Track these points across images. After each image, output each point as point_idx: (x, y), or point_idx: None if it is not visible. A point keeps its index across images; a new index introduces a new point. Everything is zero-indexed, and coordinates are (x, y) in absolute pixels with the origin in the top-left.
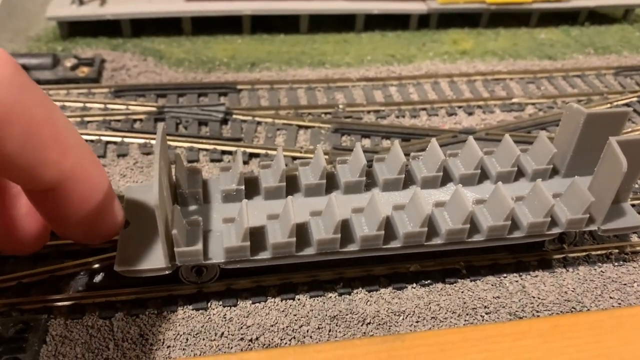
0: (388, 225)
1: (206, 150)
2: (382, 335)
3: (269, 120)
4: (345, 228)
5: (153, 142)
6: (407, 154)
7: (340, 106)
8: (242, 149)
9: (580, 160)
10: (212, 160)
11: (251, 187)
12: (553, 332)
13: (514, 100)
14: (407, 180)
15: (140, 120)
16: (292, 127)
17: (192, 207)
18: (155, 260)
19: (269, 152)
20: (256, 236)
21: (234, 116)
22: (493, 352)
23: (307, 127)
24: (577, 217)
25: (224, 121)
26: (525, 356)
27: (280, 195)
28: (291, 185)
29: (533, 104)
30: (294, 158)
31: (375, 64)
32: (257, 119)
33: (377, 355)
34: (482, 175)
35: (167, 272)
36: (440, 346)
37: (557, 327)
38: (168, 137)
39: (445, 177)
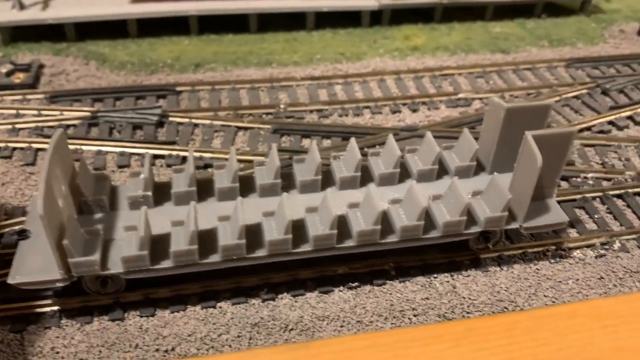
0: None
1: (138, 154)
2: (287, 344)
3: (207, 122)
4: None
5: (84, 147)
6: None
7: (282, 106)
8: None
9: (503, 156)
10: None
11: (162, 193)
12: (467, 336)
13: (460, 95)
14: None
15: (74, 126)
16: (230, 128)
17: (97, 216)
18: (49, 272)
19: (203, 155)
20: (160, 244)
21: (170, 119)
22: (402, 357)
23: (246, 129)
24: (495, 215)
25: (160, 124)
26: None
27: (189, 200)
28: (206, 189)
29: (480, 98)
30: (225, 160)
31: (323, 63)
32: (194, 121)
33: None
34: (405, 175)
35: (63, 285)
36: (347, 353)
37: (472, 330)
38: (99, 143)
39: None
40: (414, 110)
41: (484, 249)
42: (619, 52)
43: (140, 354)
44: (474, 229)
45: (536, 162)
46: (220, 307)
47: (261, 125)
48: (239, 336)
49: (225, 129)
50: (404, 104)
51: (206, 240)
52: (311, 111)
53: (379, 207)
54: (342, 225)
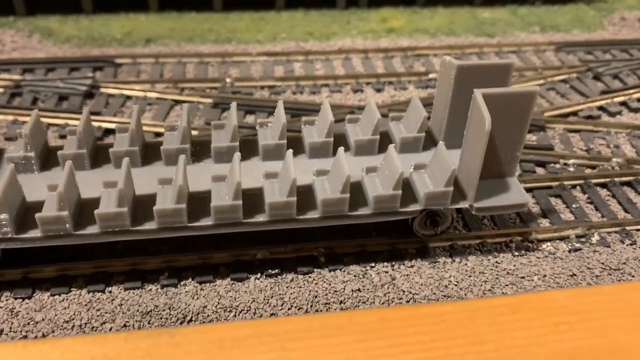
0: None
1: (57, 125)
2: (147, 329)
3: (141, 94)
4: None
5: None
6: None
7: (228, 80)
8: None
9: (457, 127)
10: (62, 137)
11: (51, 157)
12: (379, 328)
13: (432, 75)
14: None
15: None
16: (166, 101)
17: None
18: None
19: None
20: (33, 211)
21: (102, 90)
22: (290, 351)
23: (184, 102)
24: (438, 190)
25: (90, 95)
26: (332, 357)
27: (82, 164)
28: (105, 154)
29: None
30: (157, 134)
31: (288, 42)
32: (127, 92)
33: (133, 353)
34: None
35: None
36: (221, 343)
37: (385, 321)
38: (20, 112)
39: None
40: (379, 90)
41: (432, 235)
42: (617, 38)
43: (5, 341)
44: (414, 207)
45: (484, 124)
46: (110, 292)
47: (201, 99)
48: (125, 325)
49: (160, 102)
50: (368, 83)
51: (87, 208)
52: (262, 87)
53: (292, 175)
54: (254, 197)
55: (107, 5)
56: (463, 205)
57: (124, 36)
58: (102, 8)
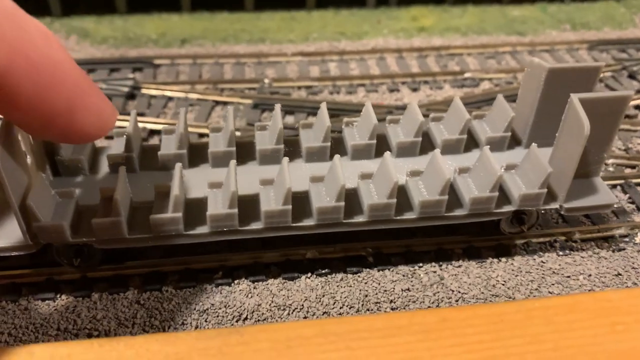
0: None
1: None
2: (215, 329)
3: (182, 95)
4: (250, 203)
5: None
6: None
7: (266, 81)
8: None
9: (543, 127)
10: (107, 137)
11: (149, 157)
12: (440, 328)
13: (467, 75)
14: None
15: None
16: (207, 102)
17: (77, 178)
18: (12, 237)
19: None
20: (140, 212)
21: (143, 91)
22: (355, 350)
23: (225, 103)
24: (532, 191)
25: (131, 96)
26: (396, 357)
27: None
28: (198, 154)
29: (489, 79)
30: (201, 135)
31: (320, 42)
32: (168, 93)
33: (205, 352)
34: (428, 145)
35: (28, 252)
36: (288, 342)
37: (446, 321)
38: None
39: (384, 147)
40: (414, 90)
41: (519, 232)
42: None
43: (69, 338)
44: (507, 208)
45: (583, 129)
46: (166, 291)
47: (241, 100)
48: (183, 324)
49: (202, 103)
50: (404, 83)
51: (195, 209)
52: (299, 87)
53: (394, 178)
54: (351, 198)
55: (140, 6)
56: (554, 206)
57: (159, 36)
58: (136, 8)
